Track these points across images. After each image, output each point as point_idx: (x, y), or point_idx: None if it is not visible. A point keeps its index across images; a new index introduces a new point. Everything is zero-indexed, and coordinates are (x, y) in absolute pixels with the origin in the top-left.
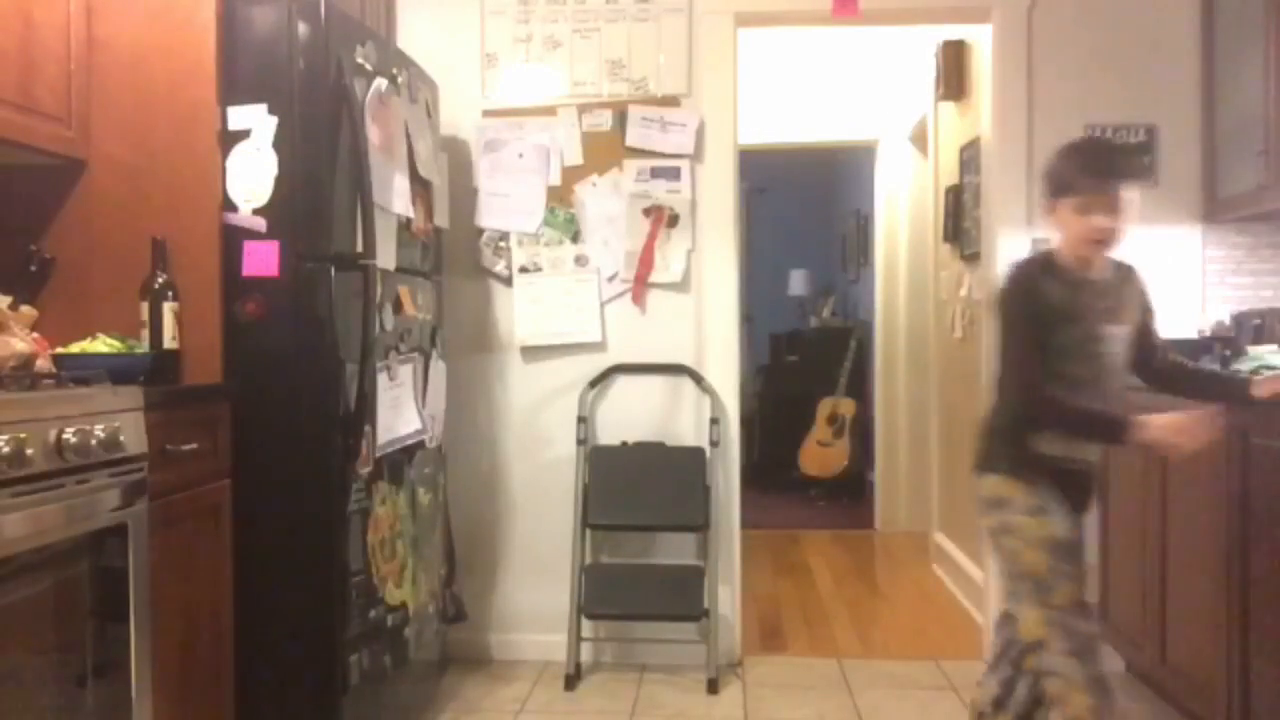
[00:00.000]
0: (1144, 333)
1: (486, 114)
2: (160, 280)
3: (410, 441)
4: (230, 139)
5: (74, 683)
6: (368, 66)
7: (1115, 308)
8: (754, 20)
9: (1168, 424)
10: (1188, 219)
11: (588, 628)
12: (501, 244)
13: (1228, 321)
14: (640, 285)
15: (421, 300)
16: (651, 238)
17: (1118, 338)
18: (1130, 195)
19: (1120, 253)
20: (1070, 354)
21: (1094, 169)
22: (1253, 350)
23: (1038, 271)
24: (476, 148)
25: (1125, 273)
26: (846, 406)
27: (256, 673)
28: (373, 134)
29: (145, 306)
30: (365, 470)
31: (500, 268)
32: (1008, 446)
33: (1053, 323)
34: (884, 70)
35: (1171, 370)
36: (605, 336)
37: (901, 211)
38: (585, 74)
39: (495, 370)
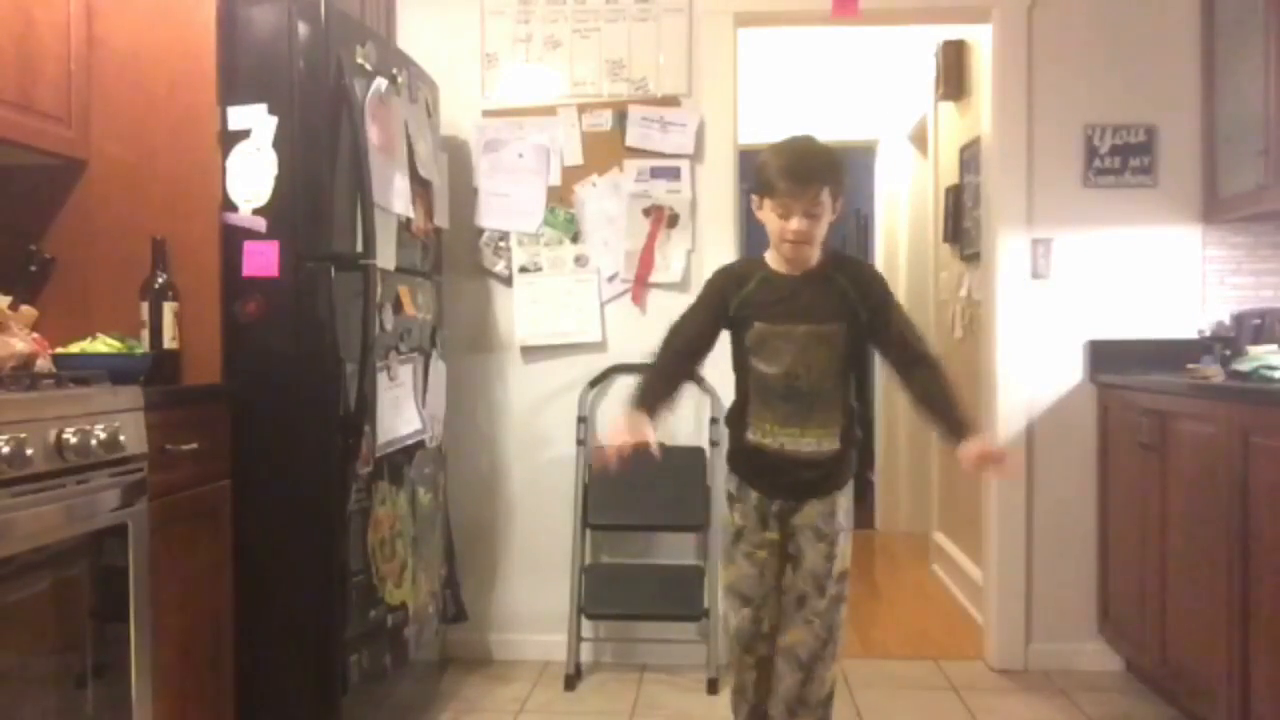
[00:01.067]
0: (875, 331)
1: (486, 114)
2: (160, 280)
3: (410, 441)
4: (230, 139)
5: (74, 683)
6: (368, 66)
7: (811, 305)
8: (754, 20)
9: (616, 429)
10: (1188, 219)
11: (588, 628)
12: (501, 244)
13: (1228, 321)
14: (640, 285)
15: (421, 300)
16: (651, 238)
17: (814, 335)
18: (826, 198)
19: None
20: (754, 350)
21: (793, 173)
22: (1253, 350)
23: (735, 269)
24: (476, 148)
25: (844, 270)
26: None
27: (256, 673)
28: (373, 134)
29: (145, 306)
30: (365, 470)
31: (500, 268)
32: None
33: (742, 318)
34: (884, 70)
35: (923, 389)
36: (605, 336)
37: (901, 211)
38: (585, 74)
39: (495, 370)
